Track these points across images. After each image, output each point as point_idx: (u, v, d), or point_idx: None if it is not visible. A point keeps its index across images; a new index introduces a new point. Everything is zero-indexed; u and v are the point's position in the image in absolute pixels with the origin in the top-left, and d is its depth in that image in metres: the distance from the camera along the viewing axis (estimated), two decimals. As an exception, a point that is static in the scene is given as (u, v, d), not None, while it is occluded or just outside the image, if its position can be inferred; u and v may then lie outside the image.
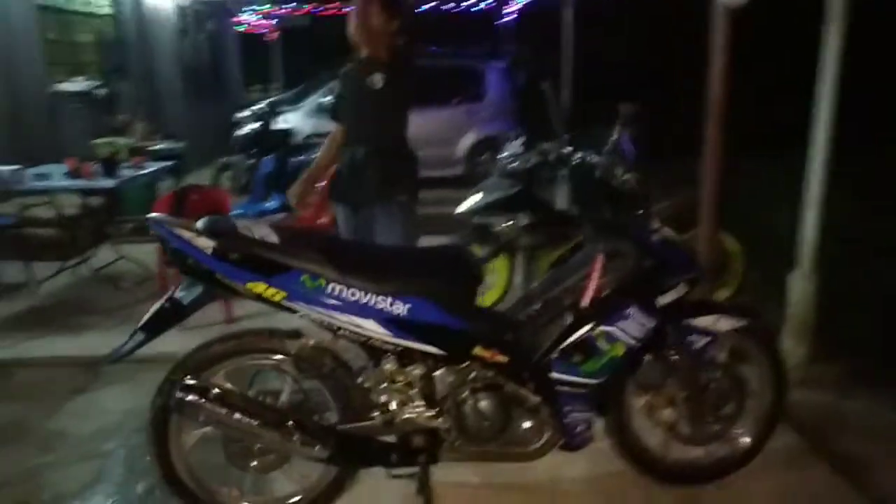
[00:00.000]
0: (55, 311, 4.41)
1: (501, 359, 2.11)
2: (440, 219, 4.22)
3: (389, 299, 2.01)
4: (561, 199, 3.77)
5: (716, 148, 3.07)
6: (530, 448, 2.22)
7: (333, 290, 1.98)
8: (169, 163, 5.88)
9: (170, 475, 2.14)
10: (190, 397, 1.93)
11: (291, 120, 8.03)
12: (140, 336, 2.02)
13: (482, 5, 13.48)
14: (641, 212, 2.18)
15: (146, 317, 2.02)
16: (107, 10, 8.89)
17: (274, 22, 14.65)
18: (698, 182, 3.02)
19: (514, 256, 4.20)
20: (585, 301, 2.12)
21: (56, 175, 4.88)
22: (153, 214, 2.00)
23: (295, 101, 8.81)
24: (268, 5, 13.68)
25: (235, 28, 14.34)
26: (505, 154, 4.15)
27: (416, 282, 2.05)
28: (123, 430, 2.91)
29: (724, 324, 2.29)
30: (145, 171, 5.32)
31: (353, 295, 1.99)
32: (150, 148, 6.84)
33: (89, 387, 3.32)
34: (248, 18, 14.15)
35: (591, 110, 2.25)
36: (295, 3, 13.92)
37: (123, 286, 4.76)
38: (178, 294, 2.04)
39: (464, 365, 2.12)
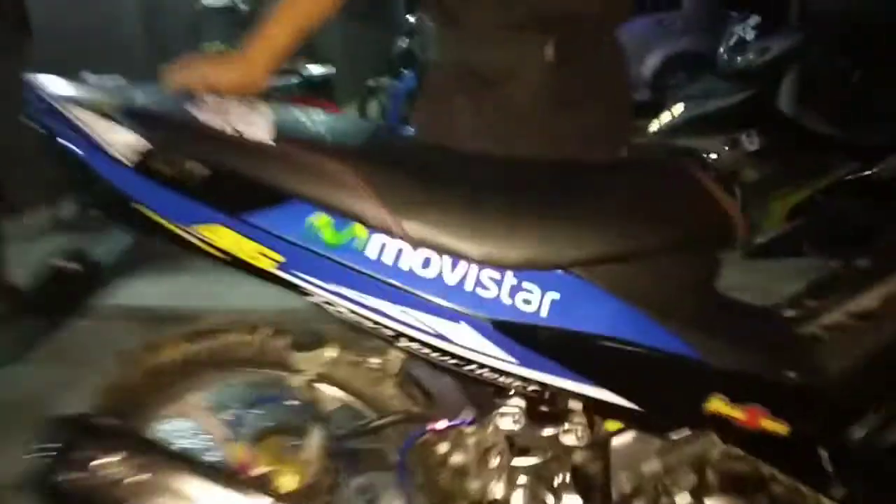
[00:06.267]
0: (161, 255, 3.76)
1: (776, 427, 0.89)
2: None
3: (512, 276, 0.84)
4: (809, 111, 2.66)
5: None
6: None
7: (382, 250, 0.85)
8: (294, 80, 5.14)
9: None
10: (68, 475, 0.90)
11: None
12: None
13: None
14: None
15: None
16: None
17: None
18: None
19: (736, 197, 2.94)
20: None
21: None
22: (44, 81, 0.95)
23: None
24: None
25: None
26: (729, 42, 2.81)
27: (576, 237, 0.86)
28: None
29: None
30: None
31: (425, 264, 0.85)
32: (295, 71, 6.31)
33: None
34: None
35: None
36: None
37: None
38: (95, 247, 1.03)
39: (684, 434, 0.93)
